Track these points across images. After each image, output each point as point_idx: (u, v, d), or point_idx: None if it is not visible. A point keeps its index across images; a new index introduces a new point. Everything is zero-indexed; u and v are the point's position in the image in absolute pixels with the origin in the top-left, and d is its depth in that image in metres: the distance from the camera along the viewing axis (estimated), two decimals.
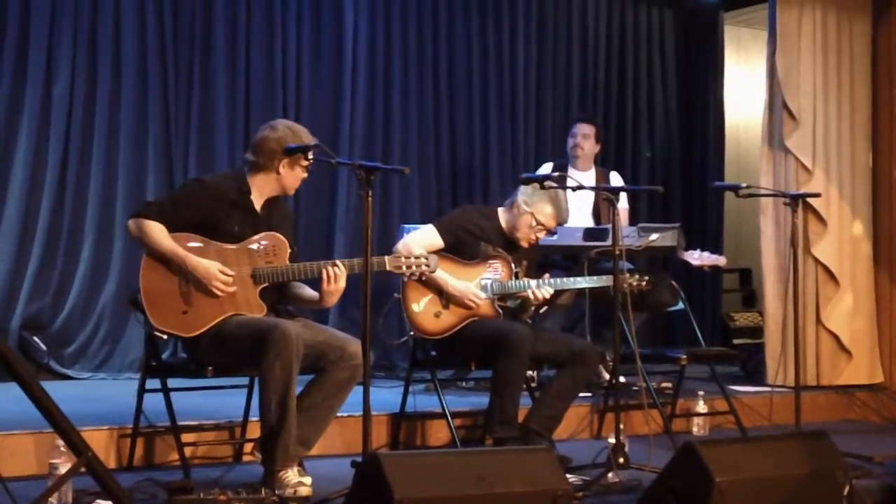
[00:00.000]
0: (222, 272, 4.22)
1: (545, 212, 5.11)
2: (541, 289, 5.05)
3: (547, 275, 5.16)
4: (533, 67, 7.92)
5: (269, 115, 6.54)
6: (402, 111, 7.43)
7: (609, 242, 4.78)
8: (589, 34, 8.21)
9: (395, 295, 5.12)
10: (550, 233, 5.25)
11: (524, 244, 5.18)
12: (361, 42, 7.26)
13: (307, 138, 4.34)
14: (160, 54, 6.69)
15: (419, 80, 7.49)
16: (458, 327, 5.01)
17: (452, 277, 5.01)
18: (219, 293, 4.22)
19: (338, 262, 4.27)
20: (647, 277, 5.15)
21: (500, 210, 5.28)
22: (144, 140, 6.64)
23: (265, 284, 4.29)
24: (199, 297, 4.23)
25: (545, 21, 7.99)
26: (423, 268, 4.37)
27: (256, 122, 6.58)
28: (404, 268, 4.36)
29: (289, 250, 4.36)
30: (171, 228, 4.26)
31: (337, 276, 4.25)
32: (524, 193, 5.14)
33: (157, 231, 4.23)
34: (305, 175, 4.45)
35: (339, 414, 4.38)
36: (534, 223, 5.12)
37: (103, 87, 6.54)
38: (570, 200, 6.31)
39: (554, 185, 4.96)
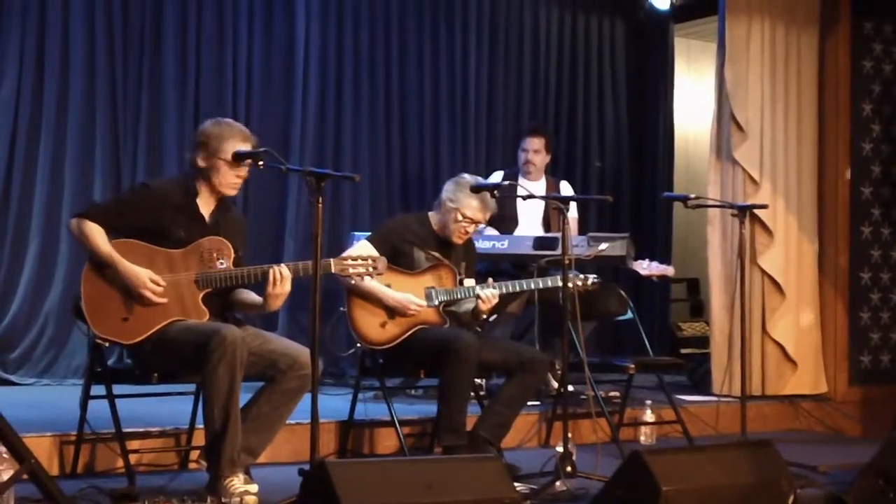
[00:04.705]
0: (153, 280, 4.18)
1: (471, 205, 5.08)
2: (486, 291, 5.04)
3: (490, 279, 5.15)
4: (484, 75, 7.93)
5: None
6: (354, 117, 7.40)
7: (559, 251, 4.78)
8: (540, 43, 8.23)
9: (341, 309, 5.08)
10: (478, 225, 5.22)
11: (456, 240, 5.16)
12: (313, 46, 7.22)
13: (244, 138, 4.30)
14: (109, 55, 6.60)
15: (371, 87, 7.47)
16: (405, 336, 4.99)
17: (391, 289, 4.98)
18: (149, 301, 4.18)
19: (282, 265, 4.24)
20: (593, 276, 5.16)
21: (431, 213, 5.25)
22: (92, 143, 6.56)
23: (209, 289, 4.25)
24: (140, 303, 4.19)
25: (497, 29, 8.01)
26: (370, 269, 4.34)
27: None
28: (350, 269, 4.33)
29: (233, 255, 4.32)
30: (114, 232, 4.23)
31: (282, 280, 4.21)
32: (447, 191, 5.13)
33: (96, 233, 4.19)
34: (244, 176, 4.38)
35: (287, 421, 4.36)
36: (460, 217, 5.10)
37: (50, 87, 6.45)
38: (520, 209, 6.38)
39: (505, 194, 4.97)
